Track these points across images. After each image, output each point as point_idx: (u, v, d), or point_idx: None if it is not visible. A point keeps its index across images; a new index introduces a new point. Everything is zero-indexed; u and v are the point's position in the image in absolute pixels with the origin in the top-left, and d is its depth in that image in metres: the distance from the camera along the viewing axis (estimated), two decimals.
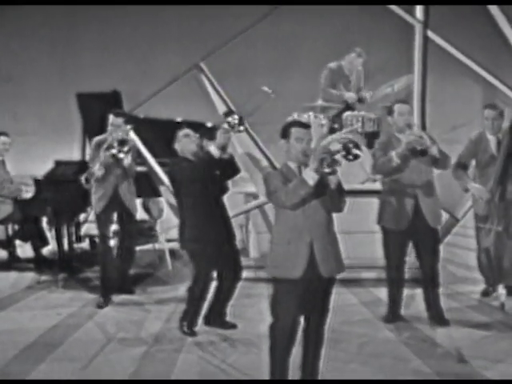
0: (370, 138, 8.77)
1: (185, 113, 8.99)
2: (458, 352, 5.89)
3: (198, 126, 7.40)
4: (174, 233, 7.31)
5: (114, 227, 7.73)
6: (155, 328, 6.70)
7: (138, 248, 8.50)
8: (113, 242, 7.80)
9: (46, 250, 9.29)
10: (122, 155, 7.36)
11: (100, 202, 7.53)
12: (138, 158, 8.19)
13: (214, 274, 6.65)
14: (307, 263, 4.69)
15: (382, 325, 6.73)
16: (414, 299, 6.97)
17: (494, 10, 8.91)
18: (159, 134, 8.43)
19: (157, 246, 9.37)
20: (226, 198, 6.82)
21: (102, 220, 7.56)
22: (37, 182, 8.95)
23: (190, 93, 9.43)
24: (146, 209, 9.35)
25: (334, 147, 4.61)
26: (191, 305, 6.55)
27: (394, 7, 9.25)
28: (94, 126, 8.51)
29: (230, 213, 7.04)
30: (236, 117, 6.61)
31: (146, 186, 8.70)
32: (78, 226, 9.28)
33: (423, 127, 8.79)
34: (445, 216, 8.50)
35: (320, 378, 5.02)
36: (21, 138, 9.96)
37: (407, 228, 6.61)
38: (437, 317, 6.69)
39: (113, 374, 5.55)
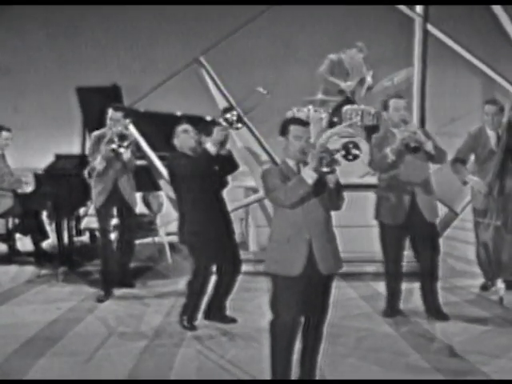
0: (370, 131, 8.76)
1: (185, 107, 9.01)
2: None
3: (197, 120, 7.41)
4: (174, 226, 7.34)
5: (113, 221, 7.75)
6: (155, 322, 6.72)
7: (137, 241, 8.52)
8: (113, 236, 7.82)
9: (45, 244, 9.30)
10: (122, 150, 7.37)
11: (100, 196, 7.55)
12: (138, 152, 8.19)
13: (214, 268, 6.67)
14: (306, 260, 4.71)
15: (380, 319, 6.74)
16: (412, 293, 6.98)
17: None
18: (159, 127, 8.43)
19: (156, 239, 9.38)
20: (225, 192, 6.84)
21: (102, 214, 7.57)
22: (37, 176, 8.95)
23: (190, 87, 9.43)
24: (146, 203, 9.36)
25: (334, 146, 4.63)
26: (191, 299, 6.56)
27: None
28: (93, 120, 8.51)
29: (230, 207, 7.06)
30: (235, 113, 6.61)
31: (146, 180, 8.71)
32: (78, 219, 9.29)
33: (422, 120, 8.78)
34: (444, 210, 8.53)
35: (319, 372, 5.04)
36: (21, 131, 9.95)
37: (404, 222, 6.63)
38: (434, 311, 6.71)
39: (113, 368, 5.56)
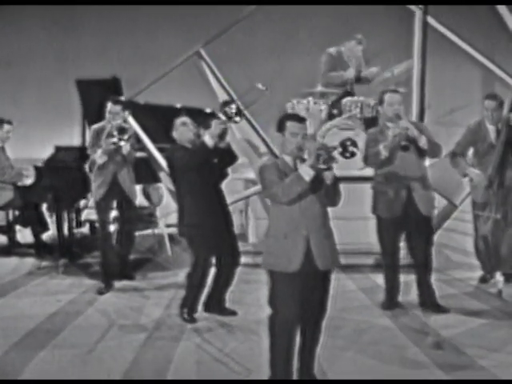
0: (369, 123, 8.77)
1: (185, 99, 9.01)
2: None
3: (197, 113, 7.43)
4: (174, 218, 7.35)
5: (113, 214, 7.76)
6: (155, 314, 6.74)
7: (137, 233, 8.52)
8: (112, 228, 7.84)
9: (46, 236, 9.31)
10: (122, 143, 7.39)
11: (99, 189, 7.55)
12: (137, 144, 8.20)
13: (213, 261, 6.69)
14: (304, 256, 4.72)
15: (379, 311, 6.77)
16: (411, 286, 6.98)
17: None
18: (159, 120, 8.44)
19: (156, 231, 9.39)
20: (225, 184, 6.86)
21: (102, 207, 7.58)
22: (37, 168, 8.96)
23: (190, 79, 9.43)
24: (146, 195, 9.37)
25: (333, 140, 4.65)
26: (191, 291, 6.59)
27: None
28: (93, 112, 8.51)
29: (230, 199, 7.07)
30: (234, 107, 6.61)
31: (146, 172, 8.72)
32: (78, 211, 9.29)
33: (421, 112, 8.78)
34: (443, 202, 8.55)
35: (317, 365, 5.07)
36: (20, 122, 9.95)
37: (400, 215, 6.64)
38: (430, 304, 6.73)
39: (113, 360, 5.59)
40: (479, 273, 7.68)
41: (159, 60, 9.58)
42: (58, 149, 9.39)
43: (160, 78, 8.96)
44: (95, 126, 7.72)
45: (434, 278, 6.87)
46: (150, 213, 9.31)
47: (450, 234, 9.00)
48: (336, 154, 4.63)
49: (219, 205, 6.66)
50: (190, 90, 9.56)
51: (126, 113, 7.74)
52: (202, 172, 6.46)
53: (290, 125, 4.79)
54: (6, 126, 9.03)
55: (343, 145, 4.71)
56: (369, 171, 8.46)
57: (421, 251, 6.74)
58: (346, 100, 9.32)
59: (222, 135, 6.57)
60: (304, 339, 4.92)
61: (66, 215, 8.77)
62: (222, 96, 8.84)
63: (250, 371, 5.32)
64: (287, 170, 4.76)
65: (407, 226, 6.74)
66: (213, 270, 6.67)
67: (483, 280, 7.61)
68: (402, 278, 6.91)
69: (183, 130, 6.71)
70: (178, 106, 8.95)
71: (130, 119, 8.22)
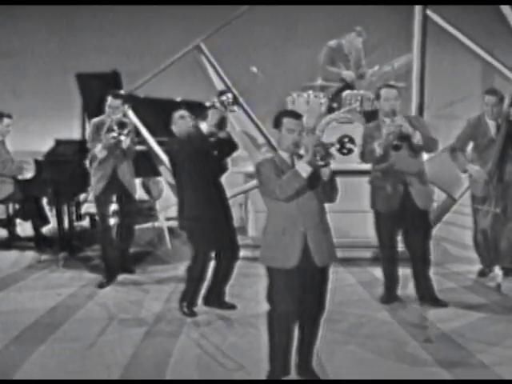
0: (369, 117, 8.76)
1: (185, 92, 9.02)
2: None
3: (197, 106, 7.41)
4: (173, 211, 7.35)
5: (113, 207, 7.77)
6: (155, 308, 6.76)
7: (136, 227, 8.53)
8: (112, 221, 7.85)
9: (46, 229, 9.33)
10: (122, 138, 7.39)
11: (99, 183, 7.56)
12: (137, 137, 8.20)
13: (213, 254, 6.70)
14: (301, 253, 4.74)
15: (378, 305, 6.78)
16: (410, 280, 6.99)
17: None
18: (159, 113, 8.43)
19: (156, 224, 9.40)
20: (225, 178, 6.87)
21: (102, 201, 7.59)
22: (37, 162, 8.97)
23: (190, 73, 9.43)
24: (146, 189, 9.38)
25: (331, 137, 4.66)
26: (190, 285, 6.60)
27: None
28: (93, 106, 8.51)
29: (230, 192, 7.07)
30: (229, 96, 6.59)
31: (146, 166, 8.72)
32: (79, 205, 9.30)
33: (421, 106, 8.77)
34: (442, 196, 8.56)
35: (316, 359, 5.09)
36: (20, 115, 9.96)
37: (398, 209, 6.65)
38: (429, 298, 6.75)
39: (113, 354, 5.61)
40: (478, 266, 7.70)
41: (159, 54, 9.56)
42: (58, 142, 9.39)
43: (160, 71, 8.96)
44: (95, 120, 7.72)
45: (432, 272, 6.88)
46: (149, 206, 9.32)
47: (448, 227, 9.00)
48: (333, 150, 4.64)
49: (219, 198, 6.67)
50: (189, 84, 9.57)
51: (126, 107, 7.74)
52: (200, 161, 6.45)
53: (287, 121, 4.80)
54: (6, 120, 9.04)
55: (340, 141, 4.72)
56: (367, 165, 8.48)
57: (418, 245, 6.75)
58: (346, 93, 9.32)
59: (221, 125, 6.57)
60: (302, 334, 4.94)
61: (66, 209, 8.79)
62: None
63: (251, 365, 5.33)
64: (284, 167, 4.77)
65: (405, 221, 6.75)
66: (212, 264, 6.68)
67: (482, 274, 7.63)
68: (401, 271, 6.91)
69: (181, 124, 6.74)
70: (178, 99, 8.97)
71: (130, 113, 8.22)
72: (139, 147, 8.34)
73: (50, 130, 10.30)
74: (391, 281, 6.87)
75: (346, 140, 4.75)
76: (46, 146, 9.47)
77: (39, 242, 9.09)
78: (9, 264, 8.44)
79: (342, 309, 6.57)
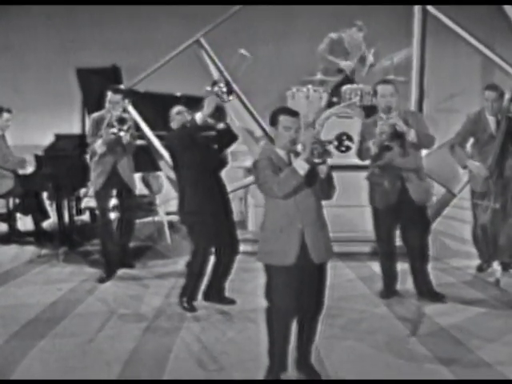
0: (369, 111, 8.76)
1: (185, 87, 9.02)
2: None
3: (197, 101, 7.40)
4: (173, 206, 7.36)
5: (113, 202, 7.79)
6: (155, 303, 6.78)
7: (137, 221, 8.54)
8: (112, 216, 7.86)
9: (46, 224, 9.34)
10: (122, 133, 7.40)
11: (99, 178, 7.57)
12: (137, 132, 8.20)
13: (213, 249, 6.71)
14: (299, 250, 4.75)
15: (377, 300, 6.79)
16: (409, 274, 7.01)
17: None
18: (159, 108, 8.43)
19: (156, 218, 9.42)
20: (225, 172, 6.87)
21: (102, 196, 7.60)
22: (37, 157, 8.98)
23: (191, 67, 9.43)
24: (146, 183, 9.39)
25: (331, 132, 4.67)
26: (190, 280, 6.61)
27: None
28: (93, 101, 8.52)
29: (230, 187, 7.08)
30: (222, 85, 6.55)
31: (146, 160, 8.73)
32: (79, 199, 9.31)
33: (420, 100, 8.78)
34: (442, 190, 8.57)
35: (315, 354, 5.11)
36: (20, 109, 9.97)
37: (395, 205, 6.66)
38: (427, 293, 6.76)
39: (113, 349, 5.62)
40: (476, 261, 7.71)
41: (159, 48, 9.57)
42: (58, 137, 9.38)
43: (160, 66, 8.97)
44: (95, 115, 7.72)
45: (431, 267, 6.89)
46: (149, 201, 9.33)
47: (448, 221, 9.02)
48: (331, 148, 4.64)
49: (219, 193, 6.68)
50: (189, 79, 9.55)
51: (126, 102, 7.75)
52: (200, 155, 6.45)
53: (283, 119, 4.80)
54: (6, 115, 9.06)
55: (338, 139, 4.72)
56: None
57: (416, 241, 6.75)
58: (346, 88, 9.32)
59: (219, 116, 6.57)
60: (301, 330, 4.95)
61: (66, 203, 8.79)
62: None
63: (250, 360, 5.34)
64: (281, 164, 4.78)
65: (402, 216, 6.75)
66: (212, 259, 6.69)
67: (480, 269, 7.64)
68: (400, 266, 6.92)
69: (179, 119, 6.76)
70: (178, 94, 8.97)
71: (130, 108, 8.22)
72: (139, 142, 8.34)
73: (49, 125, 10.32)
74: (389, 276, 6.88)
75: (344, 138, 4.74)
76: (46, 140, 9.45)
77: (39, 237, 9.11)
78: (9, 259, 8.46)
79: (341, 304, 6.58)
